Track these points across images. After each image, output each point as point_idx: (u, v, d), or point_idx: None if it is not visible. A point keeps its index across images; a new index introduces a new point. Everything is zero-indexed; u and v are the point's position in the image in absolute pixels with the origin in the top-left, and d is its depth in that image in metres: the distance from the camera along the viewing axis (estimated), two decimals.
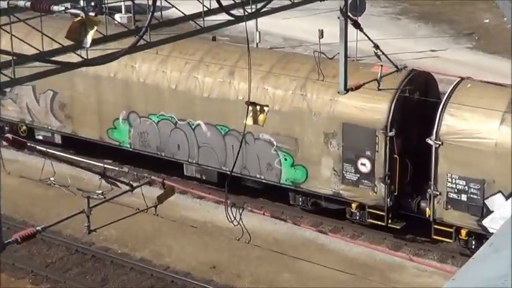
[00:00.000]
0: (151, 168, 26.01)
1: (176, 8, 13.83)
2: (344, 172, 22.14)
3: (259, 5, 14.11)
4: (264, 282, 21.15)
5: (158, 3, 12.22)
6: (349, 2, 16.22)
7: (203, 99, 23.94)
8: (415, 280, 21.29)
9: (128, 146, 25.80)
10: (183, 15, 13.86)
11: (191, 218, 24.22)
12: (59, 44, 11.30)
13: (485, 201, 20.49)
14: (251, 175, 23.67)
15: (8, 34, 10.42)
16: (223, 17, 13.86)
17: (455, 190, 20.80)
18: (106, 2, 12.22)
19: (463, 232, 21.05)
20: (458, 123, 20.65)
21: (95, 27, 10.04)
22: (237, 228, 17.72)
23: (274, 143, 23.05)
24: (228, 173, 23.22)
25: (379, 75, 18.93)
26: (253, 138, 23.33)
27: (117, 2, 22.35)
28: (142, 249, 22.53)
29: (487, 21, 41.53)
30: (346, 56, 16.20)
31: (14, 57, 10.33)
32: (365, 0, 30.87)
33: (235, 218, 17.22)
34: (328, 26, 32.43)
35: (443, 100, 21.11)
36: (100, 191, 16.59)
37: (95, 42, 11.01)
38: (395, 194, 21.75)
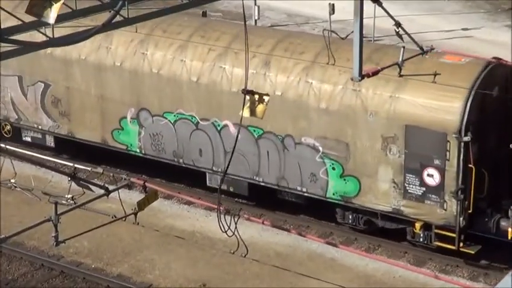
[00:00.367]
0: (167, 177, 25.76)
1: None
2: (406, 185, 21.42)
3: None
4: None
5: None
6: None
7: (231, 95, 23.00)
8: None
9: (138, 150, 25.12)
10: None
11: (178, 227, 24.21)
12: (19, 19, 11.22)
13: None
14: (290, 187, 22.98)
15: None
16: None
17: None
18: None
19: None
20: None
21: (61, 1, 9.98)
22: (232, 239, 17.70)
23: (320, 148, 22.31)
24: (262, 184, 23.25)
25: (400, 59, 18.84)
26: (294, 142, 22.60)
27: None
28: (120, 264, 22.53)
29: None
30: (361, 36, 16.13)
31: None
32: None
33: (229, 228, 17.20)
34: (339, 1, 32.39)
35: None
36: (70, 196, 16.58)
37: (61, 18, 10.94)
38: (469, 211, 21.02)
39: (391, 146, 21.42)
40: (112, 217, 17.26)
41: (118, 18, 12.16)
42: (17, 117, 27.11)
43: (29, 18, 10.97)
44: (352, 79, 16.54)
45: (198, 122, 23.86)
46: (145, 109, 24.64)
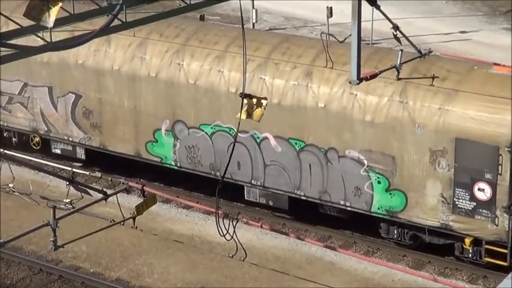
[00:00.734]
0: (203, 191, 25.23)
1: None
2: (456, 199, 20.92)
3: None
4: None
5: None
6: None
7: (272, 107, 22.10)
8: None
9: (173, 163, 24.48)
10: None
11: (176, 231, 24.20)
12: (17, 24, 11.24)
13: None
14: (333, 201, 22.45)
15: None
16: None
17: None
18: None
19: None
20: None
21: (60, 4, 9.99)
22: (231, 243, 17.71)
23: (365, 162, 21.76)
24: (303, 198, 22.79)
25: (398, 61, 18.89)
26: (338, 155, 22.05)
27: None
28: (118, 268, 22.51)
29: None
30: (359, 39, 16.16)
31: None
32: None
33: (228, 232, 17.20)
34: (338, 3, 32.43)
35: None
36: (68, 200, 16.61)
37: (59, 22, 10.96)
38: None
39: (440, 159, 20.89)
40: (110, 221, 17.29)
41: (116, 22, 12.17)
42: (46, 129, 26.44)
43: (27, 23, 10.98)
44: (350, 82, 16.56)
45: (236, 135, 22.89)
46: (181, 121, 24.06)
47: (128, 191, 18.00)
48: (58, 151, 26.62)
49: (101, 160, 26.16)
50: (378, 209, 21.99)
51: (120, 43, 24.59)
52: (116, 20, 11.95)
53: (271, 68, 22.79)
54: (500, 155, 20.25)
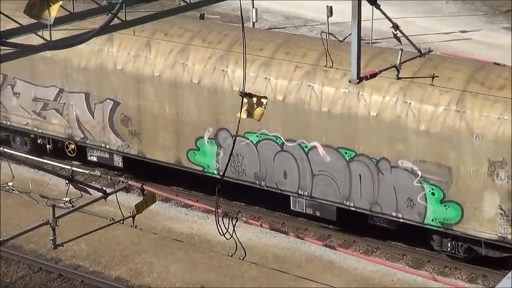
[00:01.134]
0: (246, 201, 24.90)
1: None
2: None
3: None
4: None
5: None
6: None
7: (321, 115, 21.98)
8: None
9: (215, 172, 23.93)
10: None
11: (176, 230, 24.20)
12: (16, 22, 11.23)
13: None
14: (384, 213, 21.92)
15: None
16: None
17: None
18: None
19: None
20: None
21: (60, 2, 9.99)
22: (230, 242, 17.69)
23: (419, 172, 21.19)
24: (352, 209, 22.28)
25: (398, 61, 18.86)
26: (390, 166, 21.51)
27: None
28: (118, 266, 22.51)
29: None
30: (359, 38, 16.14)
31: None
32: None
33: (227, 231, 17.19)
34: (338, 3, 32.41)
35: None
36: (67, 199, 16.60)
37: (59, 21, 10.95)
38: None
39: (499, 170, 20.37)
40: (110, 220, 17.27)
41: (116, 21, 12.17)
42: (82, 136, 25.87)
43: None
44: (350, 81, 16.53)
45: (283, 143, 22.75)
46: (224, 129, 23.51)
47: (127, 189, 18.01)
48: (94, 159, 26.05)
49: (139, 168, 25.67)
50: (432, 221, 21.40)
51: (161, 49, 24.15)
52: (115, 19, 11.94)
53: (320, 75, 22.22)
54: None
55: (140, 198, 17.51)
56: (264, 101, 16.76)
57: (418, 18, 37.88)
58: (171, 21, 24.27)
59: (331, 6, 33.85)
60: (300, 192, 22.92)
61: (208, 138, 23.80)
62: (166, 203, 25.43)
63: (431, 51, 20.17)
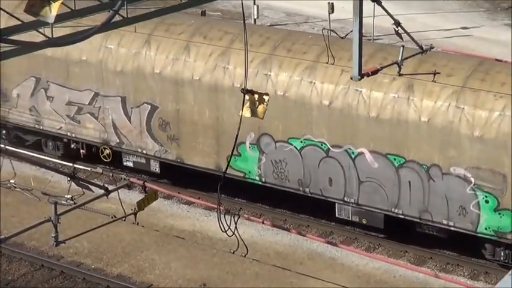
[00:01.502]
0: (289, 208, 24.44)
1: None
2: None
3: None
4: None
5: None
6: None
7: (369, 120, 21.54)
8: None
9: (257, 178, 23.43)
10: None
11: (177, 227, 24.20)
12: (18, 19, 11.20)
13: None
14: (434, 221, 21.38)
15: None
16: None
17: None
18: None
19: None
20: None
21: (60, 0, 9.96)
22: (232, 239, 17.67)
23: (472, 180, 20.63)
24: (401, 216, 21.83)
25: (399, 58, 18.83)
26: (441, 172, 21.00)
27: None
28: (120, 264, 22.52)
29: None
30: (361, 35, 16.11)
31: None
32: None
33: (229, 227, 17.17)
34: None
35: None
36: (69, 196, 16.59)
37: (60, 18, 10.92)
38: None
39: None
40: (112, 217, 17.28)
41: (117, 17, 12.14)
42: (118, 140, 25.27)
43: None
44: (351, 78, 16.50)
45: (328, 149, 22.24)
46: (267, 134, 23.00)
47: (129, 186, 17.98)
48: (130, 164, 25.52)
49: (177, 174, 25.27)
50: (485, 229, 20.90)
51: (200, 52, 23.64)
52: (117, 15, 11.90)
53: (368, 80, 21.22)
54: None
55: (142, 196, 17.50)
56: (265, 97, 16.70)
57: (419, 14, 37.85)
58: (209, 23, 24.10)
59: (332, 3, 33.86)
60: (346, 199, 22.42)
61: (250, 144, 23.31)
62: (168, 200, 25.42)
63: (433, 47, 20.17)
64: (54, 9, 9.91)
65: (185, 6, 14.27)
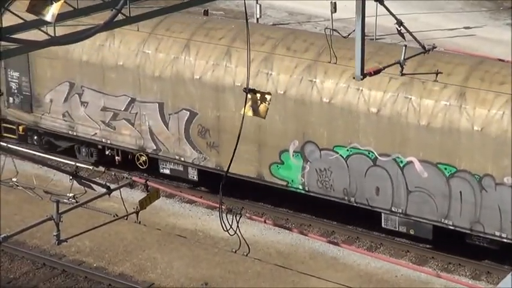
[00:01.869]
0: (335, 219, 23.93)
1: None
2: None
3: None
4: None
5: None
6: None
7: (420, 128, 21.00)
8: None
9: (300, 187, 22.93)
10: None
11: (179, 226, 24.20)
12: (21, 18, 11.21)
13: None
14: (487, 232, 20.85)
15: None
16: None
17: None
18: None
19: None
20: None
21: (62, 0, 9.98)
22: (234, 238, 17.67)
23: None
24: (451, 227, 21.32)
25: (402, 57, 18.83)
26: (494, 183, 20.44)
27: None
28: (121, 262, 22.52)
29: None
30: (363, 34, 16.12)
31: None
32: None
33: (231, 227, 17.18)
34: None
35: None
36: (71, 194, 16.60)
37: (63, 17, 10.92)
38: None
39: None
40: (114, 216, 17.28)
41: (120, 16, 12.14)
42: (155, 147, 24.80)
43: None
44: (354, 77, 16.50)
45: (376, 158, 21.75)
46: (311, 142, 22.46)
47: (131, 185, 17.99)
48: (167, 171, 25.08)
49: (216, 182, 24.97)
50: None
51: (242, 57, 23.07)
52: (119, 14, 11.91)
53: (418, 86, 21.25)
54: None
55: (144, 194, 17.50)
56: (267, 97, 16.68)
57: (421, 14, 37.82)
58: (251, 28, 23.31)
59: (335, 2, 33.85)
60: (393, 209, 21.89)
61: (294, 152, 22.79)
62: (170, 199, 25.42)
63: (435, 47, 20.14)
64: (56, 8, 9.93)
65: (187, 5, 14.29)
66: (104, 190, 16.61)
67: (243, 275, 21.86)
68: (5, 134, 27.21)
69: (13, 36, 10.86)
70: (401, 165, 21.50)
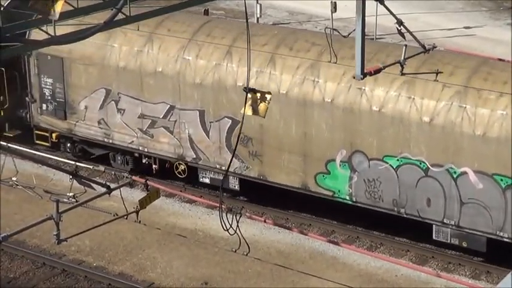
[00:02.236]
0: (385, 230, 23.43)
1: None
2: None
3: None
4: None
5: None
6: None
7: (475, 138, 20.48)
8: None
9: (347, 197, 22.48)
10: None
11: (179, 225, 24.20)
12: (21, 17, 11.22)
13: None
14: None
15: None
16: None
17: None
18: None
19: None
20: None
21: None
22: (234, 237, 17.69)
23: None
24: (506, 240, 20.93)
25: (402, 57, 18.84)
26: None
27: None
28: (121, 262, 22.52)
29: None
30: (363, 34, 16.12)
31: None
32: None
33: (231, 226, 17.19)
34: None
35: None
36: (71, 194, 16.62)
37: (63, 16, 10.93)
38: None
39: None
40: (114, 215, 17.30)
41: (120, 16, 12.15)
42: (194, 156, 24.28)
43: None
44: (354, 77, 16.52)
45: (427, 168, 21.22)
46: (360, 151, 22.01)
47: (131, 185, 18.00)
48: (207, 180, 24.62)
49: (258, 192, 24.33)
50: None
51: (287, 64, 22.69)
52: (120, 14, 11.92)
53: (473, 95, 20.79)
54: None
55: (144, 194, 17.51)
56: (268, 96, 16.65)
57: (422, 14, 37.83)
58: (295, 34, 22.82)
59: (335, 2, 33.86)
60: (445, 221, 21.42)
61: (341, 161, 22.31)
62: (170, 199, 25.43)
63: (436, 47, 20.14)
64: (57, 8, 9.94)
65: (188, 5, 14.30)
66: (103, 189, 16.63)
67: (242, 275, 21.87)
68: (37, 141, 26.80)
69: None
70: (454, 176, 21.00)
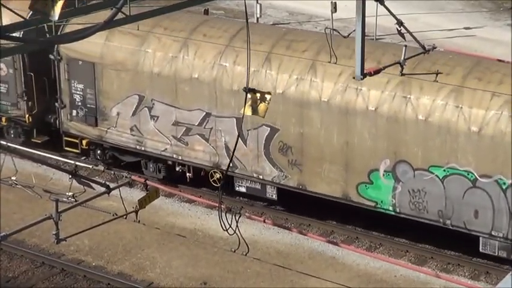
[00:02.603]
0: (434, 244, 22.87)
1: None
2: None
3: None
4: None
5: None
6: None
7: None
8: None
9: (390, 208, 21.97)
10: None
11: (179, 225, 24.20)
12: (21, 17, 11.22)
13: None
14: None
15: None
16: None
17: None
18: None
19: None
20: None
21: None
22: (233, 237, 17.69)
23: None
24: None
25: (402, 57, 18.84)
26: None
27: None
28: (120, 261, 22.52)
29: None
30: (363, 34, 16.13)
31: None
32: None
33: (230, 226, 17.19)
34: None
35: None
36: (71, 193, 16.62)
37: (63, 15, 10.93)
38: None
39: None
40: (113, 215, 17.29)
41: (120, 15, 12.15)
42: (231, 164, 23.22)
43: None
44: (354, 78, 16.52)
45: (475, 179, 20.80)
46: (404, 161, 21.56)
47: (130, 184, 17.98)
48: (243, 189, 24.09)
49: (296, 202, 23.93)
50: None
51: (328, 71, 22.23)
52: (120, 13, 11.91)
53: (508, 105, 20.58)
54: None
55: (143, 193, 17.51)
56: (267, 96, 16.62)
57: (422, 14, 37.81)
58: (335, 40, 22.16)
59: (335, 2, 33.86)
60: (493, 233, 20.96)
61: (385, 171, 21.88)
62: (169, 198, 25.42)
63: (435, 47, 20.14)
64: (57, 7, 9.93)
65: (188, 5, 14.30)
66: (103, 189, 16.63)
67: (242, 275, 21.87)
68: (67, 148, 26.39)
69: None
70: (503, 187, 20.58)
